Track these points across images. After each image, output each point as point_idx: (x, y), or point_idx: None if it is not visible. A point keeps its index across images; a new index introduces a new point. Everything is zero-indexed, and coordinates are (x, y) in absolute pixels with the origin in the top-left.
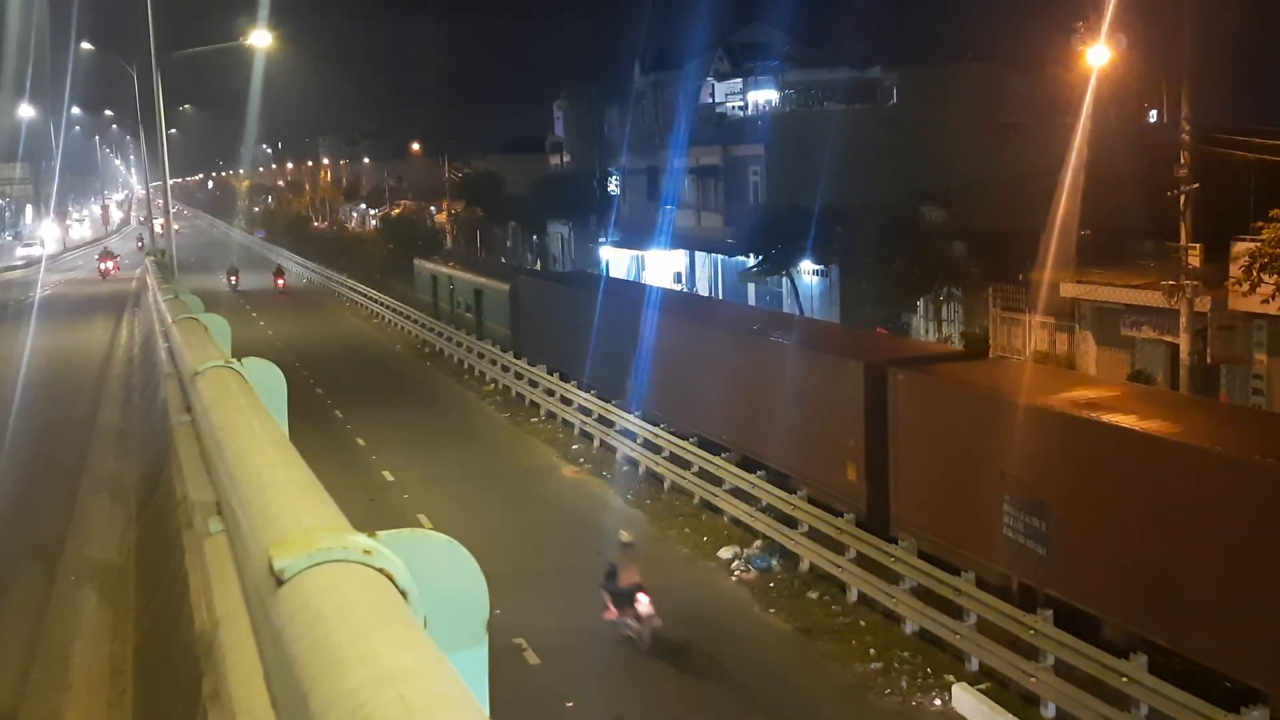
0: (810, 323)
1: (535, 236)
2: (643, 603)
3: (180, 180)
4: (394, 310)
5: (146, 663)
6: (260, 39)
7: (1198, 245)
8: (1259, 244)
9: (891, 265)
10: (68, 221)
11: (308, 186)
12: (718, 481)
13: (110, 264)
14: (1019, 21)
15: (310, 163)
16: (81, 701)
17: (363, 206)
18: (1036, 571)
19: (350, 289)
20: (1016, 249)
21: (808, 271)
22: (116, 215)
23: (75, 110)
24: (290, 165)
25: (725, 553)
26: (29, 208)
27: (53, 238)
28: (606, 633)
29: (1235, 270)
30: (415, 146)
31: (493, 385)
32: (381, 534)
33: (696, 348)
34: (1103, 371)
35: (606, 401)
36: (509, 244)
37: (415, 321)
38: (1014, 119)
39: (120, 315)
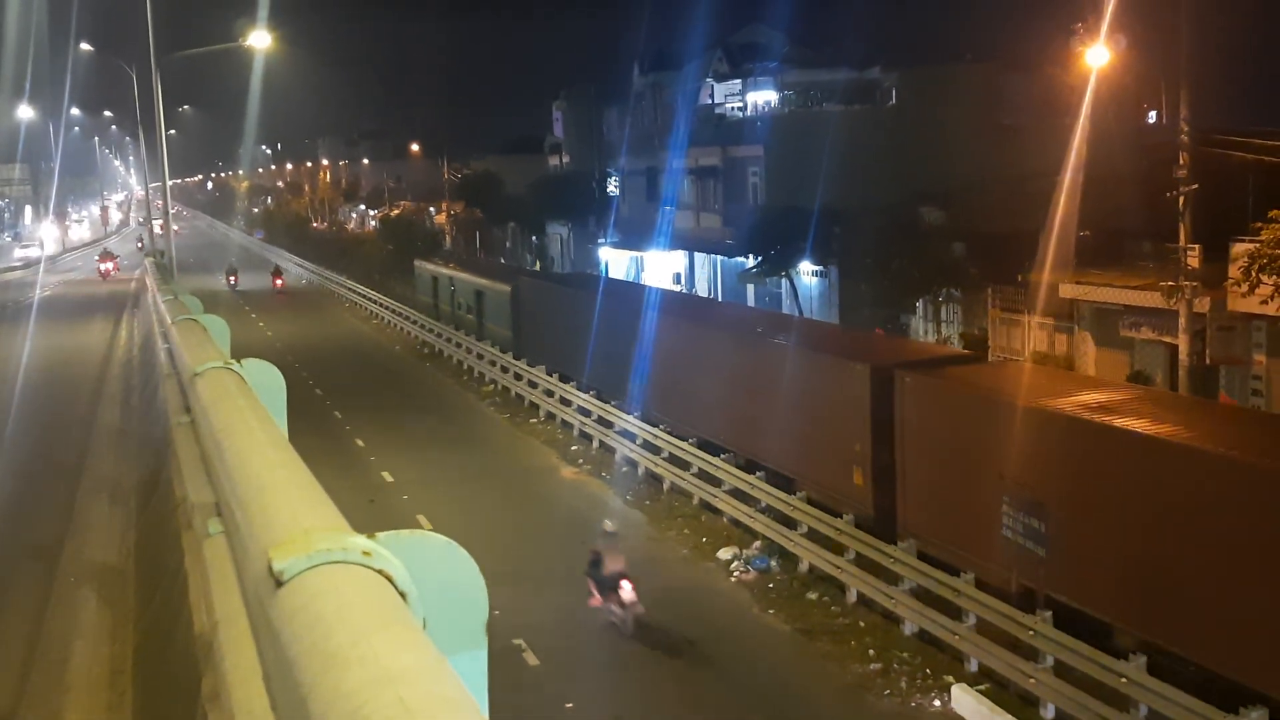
0: (812, 324)
1: (534, 237)
2: (626, 590)
3: (179, 181)
4: (393, 311)
5: (146, 664)
6: (259, 40)
7: (1196, 246)
8: (1258, 245)
9: (890, 266)
10: (67, 222)
11: (307, 187)
12: (717, 482)
13: (110, 265)
14: (1018, 22)
15: (309, 164)
16: (81, 703)
17: (362, 207)
18: (1036, 573)
19: (349, 290)
20: (1015, 250)
21: (807, 272)
22: (116, 216)
23: (75, 111)
24: (289, 166)
25: (725, 553)
26: (28, 208)
27: (52, 239)
28: (606, 633)
29: (1234, 271)
30: (414, 147)
31: (492, 386)
32: (381, 535)
33: (699, 350)
34: (1102, 372)
35: (606, 402)
36: (508, 245)
37: (414, 322)
38: (1013, 120)
39: (119, 316)
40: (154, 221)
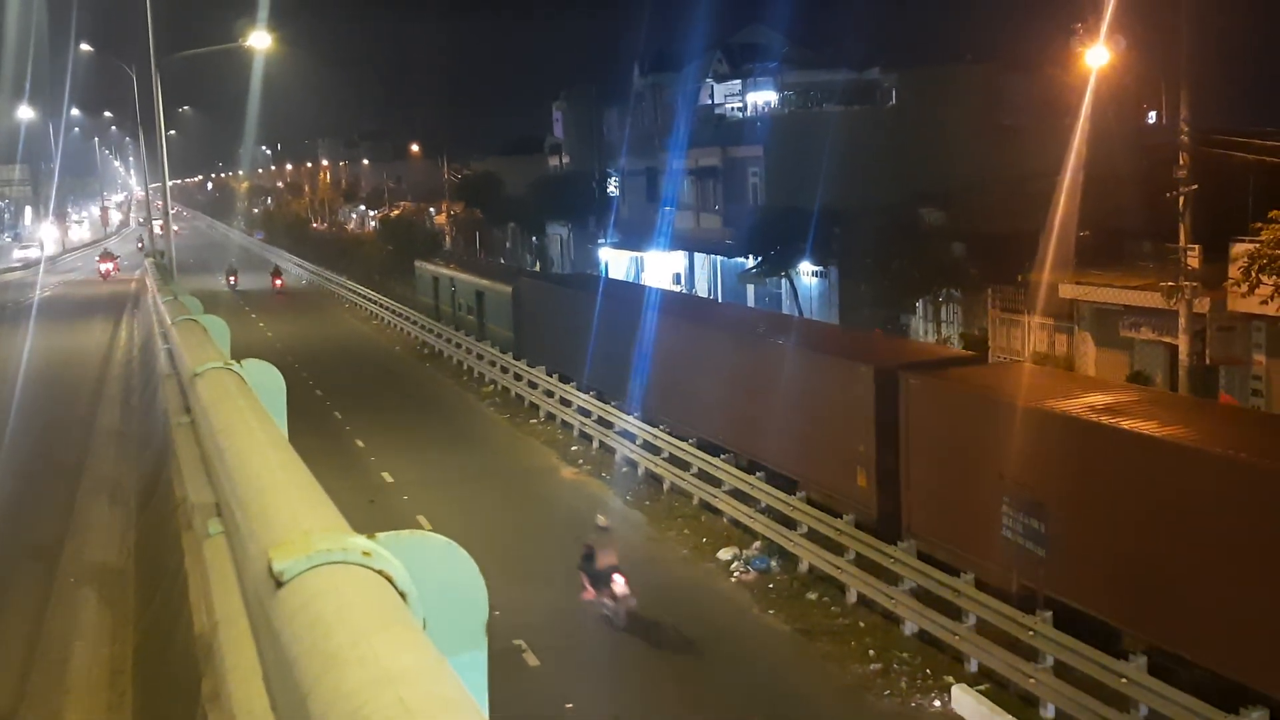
0: (813, 324)
1: (534, 238)
2: (618, 583)
3: (179, 182)
4: (393, 312)
5: (146, 664)
6: (259, 41)
7: (1196, 246)
8: (1258, 245)
9: (890, 266)
10: (67, 223)
11: (307, 188)
12: (717, 483)
13: (110, 265)
14: (1018, 23)
15: (309, 164)
16: (81, 703)
17: (362, 208)
18: (1036, 573)
19: (349, 290)
20: (1015, 250)
21: (807, 273)
22: (116, 217)
23: (74, 112)
24: (289, 167)
25: (725, 554)
26: (28, 209)
27: (52, 239)
28: (606, 634)
29: (1234, 271)
30: (414, 148)
31: (492, 386)
32: (381, 536)
33: (701, 351)
34: (1102, 373)
35: (606, 403)
36: (508, 245)
37: (414, 323)
38: (1013, 120)
39: (119, 317)
40: (154, 222)
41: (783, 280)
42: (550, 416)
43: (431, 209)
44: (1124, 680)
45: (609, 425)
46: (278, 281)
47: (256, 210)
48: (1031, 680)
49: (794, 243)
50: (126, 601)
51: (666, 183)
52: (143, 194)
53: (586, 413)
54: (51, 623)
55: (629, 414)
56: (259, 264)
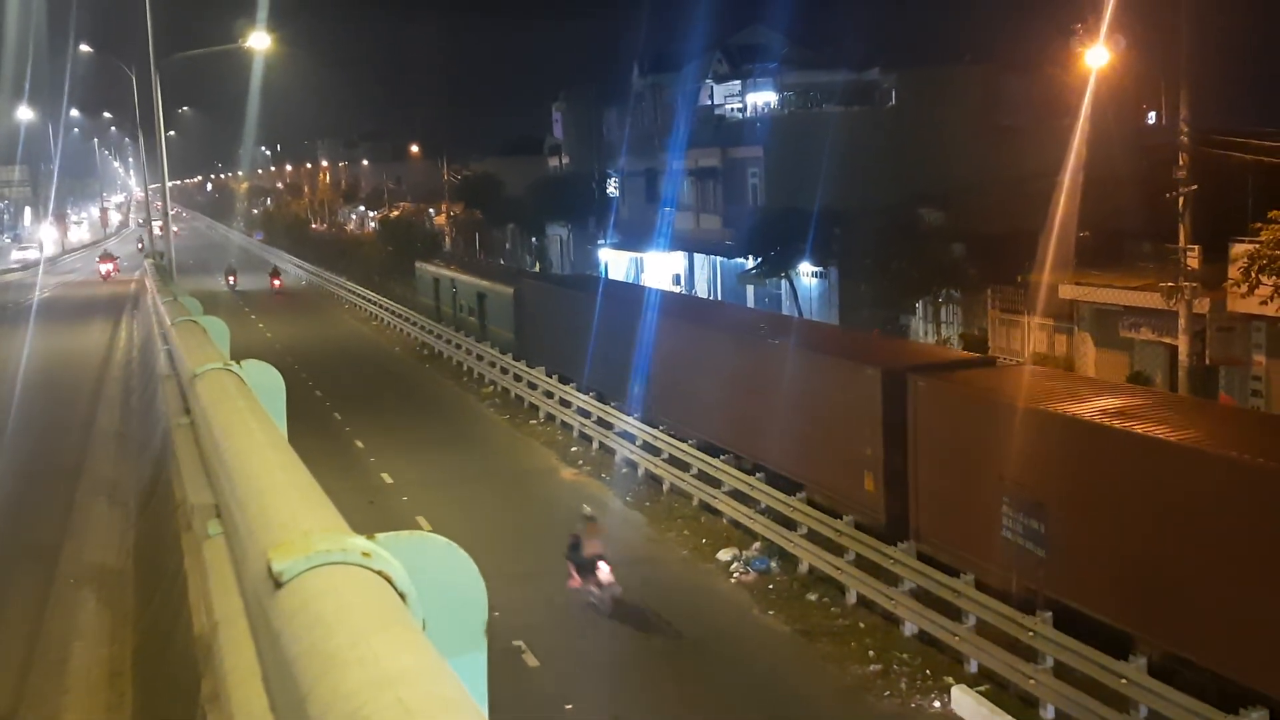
0: (815, 325)
1: (534, 239)
2: (603, 571)
3: (179, 182)
4: (393, 313)
5: (145, 665)
6: (259, 41)
7: (1196, 247)
8: (1257, 245)
9: (890, 267)
10: (66, 224)
11: (306, 189)
12: (717, 484)
13: (110, 266)
14: (1017, 23)
15: (309, 165)
16: (80, 704)
17: (361, 209)
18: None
19: (349, 291)
20: (1015, 251)
21: (806, 273)
22: (115, 218)
23: (74, 113)
24: (289, 167)
25: (724, 555)
26: (28, 210)
27: (51, 240)
28: (606, 634)
29: (1234, 272)
30: (414, 148)
31: (491, 388)
32: (380, 536)
33: (704, 353)
34: (1101, 373)
35: (606, 403)
36: (508, 246)
37: (414, 324)
38: (1012, 121)
39: (119, 317)
40: (153, 223)
41: (782, 281)
42: (550, 417)
43: (431, 210)
44: (1124, 681)
45: (609, 426)
46: (276, 282)
47: (256, 211)
48: (1031, 681)
49: (794, 243)
50: (126, 602)
51: (666, 183)
52: (142, 195)
53: (586, 414)
54: (51, 623)
55: (629, 415)
56: (258, 264)
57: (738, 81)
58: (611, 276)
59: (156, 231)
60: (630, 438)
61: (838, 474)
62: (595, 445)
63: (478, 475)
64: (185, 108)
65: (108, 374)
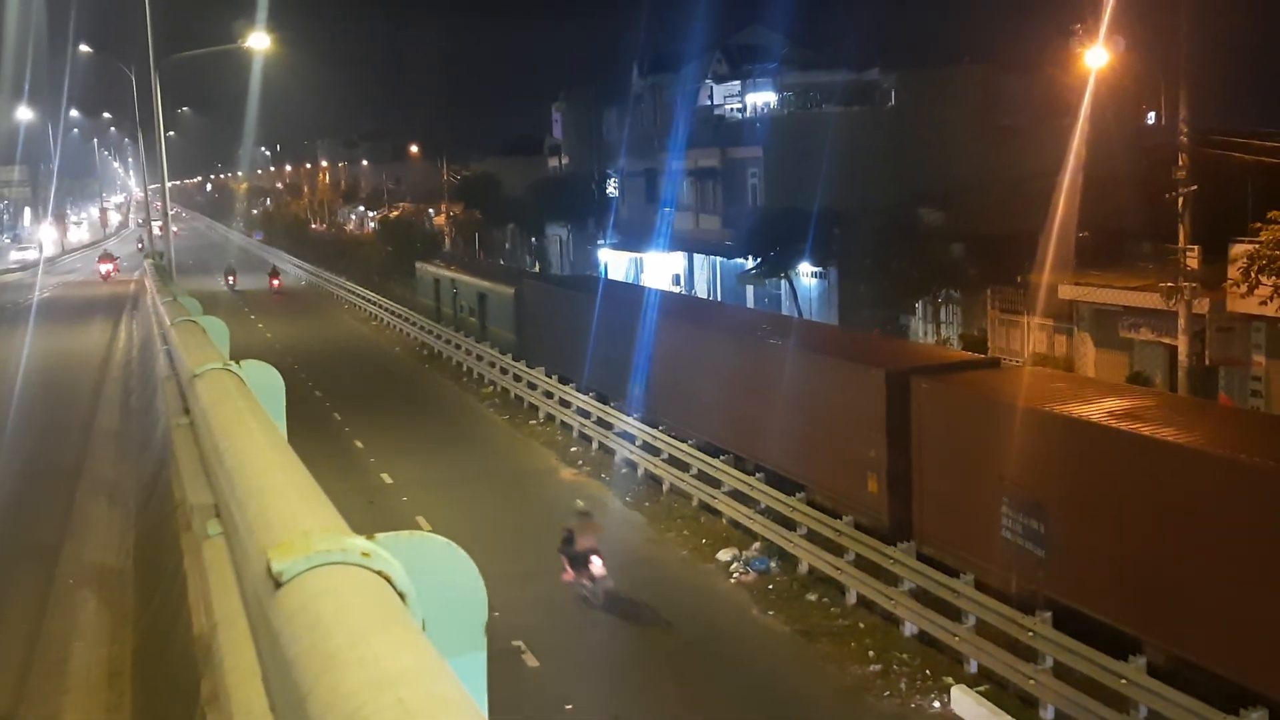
0: (816, 326)
1: (534, 239)
2: (596, 564)
3: (178, 183)
4: (392, 313)
5: (145, 665)
6: (258, 41)
7: (1196, 247)
8: (1257, 246)
9: (890, 267)
10: (66, 224)
11: (306, 189)
12: (717, 484)
13: (110, 266)
14: (1017, 23)
15: (308, 165)
16: (80, 704)
17: (361, 209)
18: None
19: (349, 291)
20: (1015, 251)
21: (806, 274)
22: (115, 218)
23: (74, 113)
24: (288, 168)
25: (724, 555)
26: (27, 210)
27: (51, 240)
28: (606, 634)
29: (1233, 272)
30: (413, 149)
31: (491, 388)
32: (380, 536)
33: (706, 354)
34: (1101, 374)
35: (606, 404)
36: (507, 246)
37: (414, 324)
38: (1012, 121)
39: (119, 318)
40: (153, 223)
41: (782, 281)
42: (550, 417)
43: (431, 210)
44: (1123, 681)
45: (609, 426)
46: (275, 282)
47: (255, 211)
48: (1031, 681)
49: (793, 244)
50: (125, 602)
51: (666, 184)
52: (142, 195)
53: (586, 414)
54: (50, 624)
55: (629, 415)
56: (258, 265)
57: (737, 82)
58: (611, 277)
59: (156, 232)
60: (630, 438)
61: (840, 476)
62: (595, 445)
63: (477, 475)
64: (185, 108)
65: (107, 374)
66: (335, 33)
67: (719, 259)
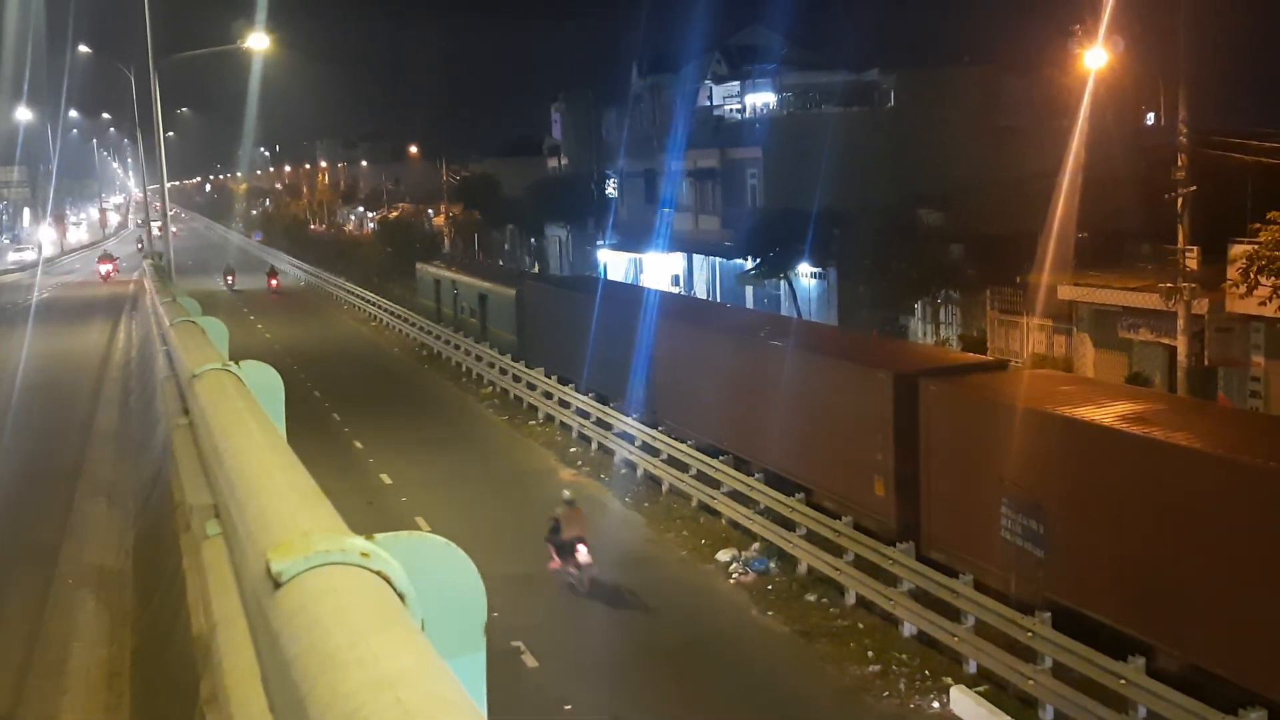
0: (818, 327)
1: (533, 239)
2: (582, 553)
3: (178, 183)
4: (391, 313)
5: (144, 665)
6: (257, 42)
7: (1195, 248)
8: (1256, 246)
9: (889, 268)
10: (65, 225)
11: (305, 189)
12: (716, 484)
13: (110, 267)
14: (1016, 24)
15: (308, 166)
16: (79, 704)
17: (360, 209)
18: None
19: (348, 292)
20: (1014, 252)
21: (805, 274)
22: (114, 219)
23: (73, 113)
24: (288, 168)
25: (723, 555)
26: (26, 211)
27: (50, 241)
28: (605, 635)
29: (1232, 272)
30: (413, 149)
31: (490, 388)
32: (379, 536)
33: (707, 355)
34: (1100, 374)
35: (606, 405)
36: (507, 247)
37: (413, 325)
38: (1011, 122)
39: (118, 318)
40: (152, 224)
41: (781, 282)
42: (549, 418)
43: (430, 210)
44: (1123, 681)
45: (608, 427)
46: (273, 282)
47: (255, 212)
48: (1030, 681)
49: (793, 244)
50: (124, 603)
51: (665, 184)
52: (141, 196)
53: (585, 414)
54: (49, 624)
55: (628, 416)
56: (257, 265)
57: (737, 82)
58: (610, 277)
59: (155, 232)
60: (629, 438)
61: (846, 479)
62: (594, 446)
63: (477, 476)
64: (184, 108)
65: (107, 375)
66: (335, 33)
67: (718, 259)
